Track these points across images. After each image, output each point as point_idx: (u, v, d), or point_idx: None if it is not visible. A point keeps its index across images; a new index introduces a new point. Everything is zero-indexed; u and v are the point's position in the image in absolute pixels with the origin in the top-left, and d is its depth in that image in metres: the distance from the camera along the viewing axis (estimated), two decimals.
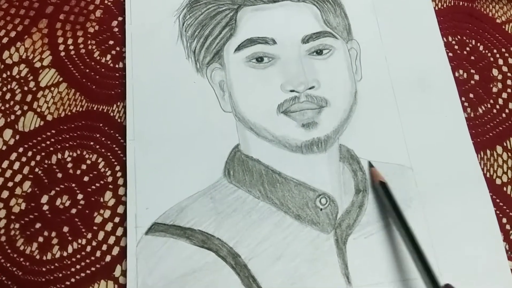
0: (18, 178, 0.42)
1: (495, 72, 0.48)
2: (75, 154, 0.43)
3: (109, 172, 0.43)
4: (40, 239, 0.40)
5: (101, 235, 0.41)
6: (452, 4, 0.51)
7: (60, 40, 0.48)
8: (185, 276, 0.39)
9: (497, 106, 0.47)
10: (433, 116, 0.45)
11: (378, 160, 0.44)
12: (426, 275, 0.36)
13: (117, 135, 0.44)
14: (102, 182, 0.42)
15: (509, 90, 0.47)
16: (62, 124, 0.44)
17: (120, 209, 0.42)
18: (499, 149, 0.45)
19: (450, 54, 0.48)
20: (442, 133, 0.45)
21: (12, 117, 0.44)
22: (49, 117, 0.45)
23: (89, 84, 0.46)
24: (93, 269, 0.40)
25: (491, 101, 0.47)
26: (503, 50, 0.49)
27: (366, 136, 0.45)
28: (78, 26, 0.48)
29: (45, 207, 0.41)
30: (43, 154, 0.43)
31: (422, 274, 0.36)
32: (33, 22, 0.48)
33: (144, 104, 0.44)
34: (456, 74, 0.47)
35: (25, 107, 0.45)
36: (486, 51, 0.49)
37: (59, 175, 0.43)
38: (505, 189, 0.44)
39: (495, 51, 0.49)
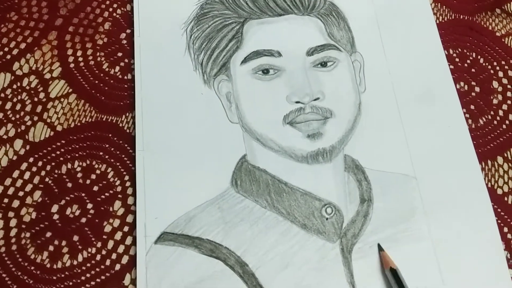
0: (28, 187, 0.43)
1: (495, 84, 0.49)
2: (84, 164, 0.44)
3: (118, 182, 0.44)
4: (51, 248, 0.41)
5: (110, 244, 0.41)
6: (452, 17, 0.52)
7: (70, 51, 0.48)
8: (194, 285, 0.40)
9: (498, 118, 0.48)
10: (436, 126, 0.46)
11: (382, 170, 0.45)
12: None
13: (126, 145, 0.45)
14: (111, 191, 0.43)
15: (509, 102, 0.49)
16: (71, 134, 0.45)
17: (129, 218, 0.42)
18: (500, 159, 0.46)
19: (451, 66, 0.49)
20: (445, 143, 0.46)
21: (23, 127, 0.45)
22: (59, 128, 0.45)
23: (98, 95, 0.47)
24: (103, 277, 0.40)
25: (492, 112, 0.48)
26: (503, 62, 0.50)
27: (370, 147, 0.46)
28: (87, 38, 0.49)
29: (56, 216, 0.42)
30: (53, 164, 0.44)
31: None
32: (42, 34, 0.49)
33: (152, 115, 0.45)
34: (457, 86, 0.48)
35: (35, 118, 0.46)
36: (486, 64, 0.50)
37: (69, 184, 0.43)
38: (506, 198, 0.45)
39: (495, 63, 0.50)
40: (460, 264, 0.42)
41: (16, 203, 0.42)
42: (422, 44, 0.50)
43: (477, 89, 0.49)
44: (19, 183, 0.43)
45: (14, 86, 0.47)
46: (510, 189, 0.45)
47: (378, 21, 0.51)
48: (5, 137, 0.45)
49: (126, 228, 0.42)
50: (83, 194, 0.43)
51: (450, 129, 0.46)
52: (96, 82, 0.47)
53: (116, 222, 0.42)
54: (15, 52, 0.48)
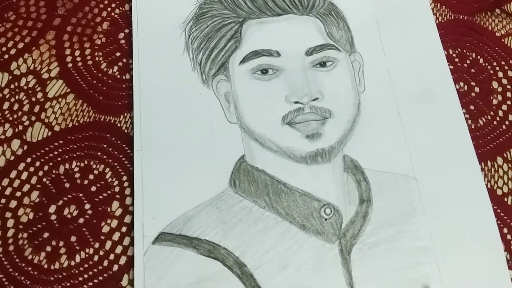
0: (26, 188, 0.43)
1: (495, 84, 0.49)
2: (82, 164, 0.44)
3: (116, 182, 0.43)
4: (48, 248, 0.41)
5: (108, 244, 0.41)
6: (452, 17, 0.52)
7: (68, 51, 0.48)
8: (192, 286, 0.39)
9: (497, 118, 0.48)
10: (436, 126, 0.46)
11: (381, 170, 0.44)
12: None
13: (124, 145, 0.45)
14: (109, 192, 0.43)
15: (508, 102, 0.48)
16: (69, 134, 0.45)
17: (127, 219, 0.42)
18: (499, 160, 0.46)
19: (451, 66, 0.49)
20: (445, 143, 0.46)
21: (20, 127, 0.45)
22: (56, 128, 0.45)
23: (96, 95, 0.47)
24: (100, 278, 0.40)
25: (491, 113, 0.48)
26: (503, 63, 0.50)
27: (369, 147, 0.45)
28: (85, 38, 0.49)
29: (53, 217, 0.42)
30: (51, 164, 0.44)
31: None
32: (40, 34, 0.49)
33: (151, 115, 0.45)
34: (457, 87, 0.48)
35: (33, 118, 0.45)
36: (486, 64, 0.50)
37: (67, 185, 0.43)
38: (505, 199, 0.45)
39: (494, 64, 0.50)
40: (459, 265, 0.41)
41: (13, 204, 0.42)
42: (422, 44, 0.50)
43: (476, 89, 0.49)
44: (16, 183, 0.43)
45: (12, 86, 0.47)
46: (510, 190, 0.45)
47: (378, 20, 0.51)
48: (2, 137, 0.44)
49: (124, 229, 0.42)
50: (80, 195, 0.43)
51: (449, 129, 0.46)
52: (94, 82, 0.47)
53: (114, 223, 0.42)
54: (12, 51, 0.48)
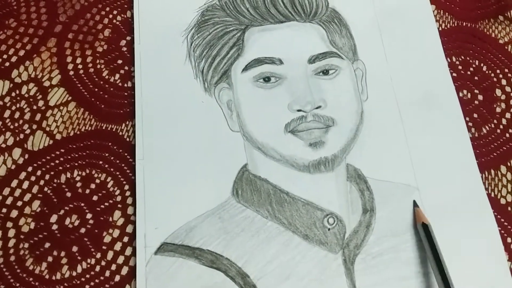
0: (27, 197, 0.42)
1: (498, 92, 0.49)
2: (84, 173, 0.44)
3: (118, 191, 0.43)
4: (49, 258, 0.41)
5: (110, 254, 0.41)
6: (455, 25, 0.52)
7: (69, 59, 0.48)
8: None
9: (501, 126, 0.47)
10: (438, 136, 0.46)
11: (384, 180, 0.44)
12: None
13: (125, 154, 0.44)
14: (111, 201, 0.43)
15: None
16: (71, 143, 0.45)
17: (129, 229, 0.42)
18: (503, 169, 0.46)
19: (454, 74, 0.49)
20: (448, 152, 0.45)
21: (21, 136, 0.45)
22: (58, 136, 0.45)
23: (98, 103, 0.46)
24: None
25: (495, 121, 0.48)
26: (506, 70, 0.50)
27: (373, 156, 0.45)
28: (87, 45, 0.49)
29: (54, 227, 0.42)
30: (52, 173, 0.43)
31: None
32: (42, 41, 0.49)
33: (153, 124, 0.45)
34: (460, 94, 0.48)
35: (34, 126, 0.45)
36: (490, 72, 0.50)
37: (68, 194, 0.43)
38: (509, 208, 0.44)
39: (498, 71, 0.50)
40: (463, 275, 0.41)
41: (14, 213, 0.42)
42: (424, 52, 0.50)
43: (480, 97, 0.49)
44: (17, 192, 0.43)
45: (13, 94, 0.46)
46: None
47: (380, 28, 0.50)
48: (3, 145, 0.44)
49: (125, 239, 0.41)
50: (82, 204, 0.43)
51: (452, 138, 0.46)
52: (96, 90, 0.47)
53: (116, 233, 0.42)
54: (13, 59, 0.48)
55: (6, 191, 0.43)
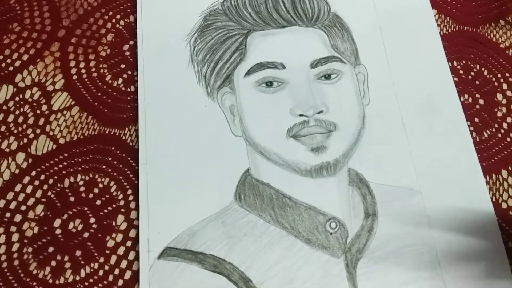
0: (31, 201, 0.43)
1: (499, 96, 0.49)
2: (87, 178, 0.44)
3: (121, 196, 0.43)
4: (53, 263, 0.41)
5: (113, 259, 0.41)
6: (456, 29, 0.52)
7: (72, 63, 0.48)
8: None
9: (502, 131, 0.48)
10: (441, 140, 0.46)
11: (387, 184, 0.44)
12: None
13: (129, 158, 0.45)
14: (114, 205, 0.43)
15: None
16: (74, 147, 0.45)
17: (132, 233, 0.42)
18: (504, 173, 0.46)
19: (456, 79, 0.49)
20: (450, 157, 0.46)
21: (25, 140, 0.45)
22: (61, 141, 0.45)
23: (101, 108, 0.47)
24: None
25: (496, 125, 0.48)
26: (507, 74, 0.50)
27: (375, 160, 0.45)
28: (90, 50, 0.49)
29: (58, 231, 0.42)
30: (55, 177, 0.44)
31: None
32: (45, 46, 0.49)
33: (156, 128, 0.45)
34: (462, 99, 0.48)
35: (38, 131, 0.45)
36: (491, 76, 0.50)
37: (72, 198, 0.43)
38: (511, 213, 0.45)
39: (499, 75, 0.50)
40: (465, 279, 0.41)
41: (18, 218, 0.42)
42: (426, 56, 0.50)
43: (481, 101, 0.49)
44: (21, 197, 0.43)
45: (17, 98, 0.47)
46: None
47: (382, 33, 0.51)
48: (7, 150, 0.44)
49: (129, 243, 0.42)
50: (85, 208, 0.43)
51: (454, 142, 0.46)
52: (99, 94, 0.47)
53: (119, 237, 0.42)
54: (17, 63, 0.48)
55: (10, 195, 0.43)
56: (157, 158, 0.44)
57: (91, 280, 0.40)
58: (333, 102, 0.46)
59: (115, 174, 0.44)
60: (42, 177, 0.44)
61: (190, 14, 0.50)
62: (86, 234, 0.42)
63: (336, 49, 0.48)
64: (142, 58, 0.48)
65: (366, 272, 0.41)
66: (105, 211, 0.43)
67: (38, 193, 0.43)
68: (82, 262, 0.41)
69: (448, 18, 0.52)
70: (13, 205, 0.42)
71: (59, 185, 0.43)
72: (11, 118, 0.46)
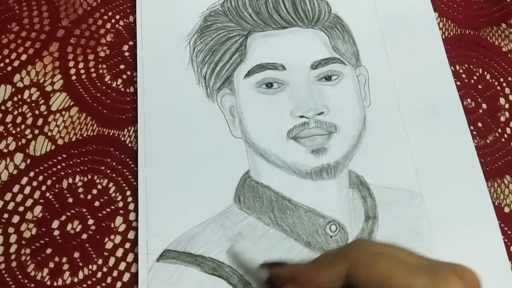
0: (29, 202, 0.42)
1: (502, 101, 0.49)
2: (86, 179, 0.43)
3: (119, 197, 0.43)
4: (51, 264, 0.40)
5: (111, 261, 0.41)
6: (458, 32, 0.52)
7: (71, 64, 0.48)
8: None
9: (505, 135, 0.47)
10: (442, 143, 0.46)
11: (387, 186, 0.44)
12: None
13: (127, 159, 0.44)
14: (112, 207, 0.43)
15: None
16: (73, 148, 0.44)
17: (130, 235, 0.42)
18: (508, 177, 0.46)
19: (458, 83, 0.49)
20: (452, 160, 0.45)
21: (23, 141, 0.44)
22: (60, 141, 0.45)
23: (100, 108, 0.46)
24: None
25: (499, 130, 0.48)
26: (510, 79, 0.50)
27: (375, 162, 0.45)
28: (89, 50, 0.49)
29: (56, 232, 0.41)
30: (54, 178, 0.43)
31: None
32: (44, 46, 0.48)
33: (155, 130, 0.45)
34: (465, 103, 0.48)
35: (36, 131, 0.45)
36: (493, 80, 0.50)
37: (70, 199, 0.43)
38: None
39: (501, 80, 0.50)
40: None
41: (16, 219, 0.42)
42: (428, 59, 0.50)
43: (484, 106, 0.48)
44: (19, 198, 0.42)
45: (15, 99, 0.46)
46: None
47: (383, 34, 0.50)
48: (5, 150, 0.44)
49: (127, 245, 0.41)
50: (84, 210, 0.42)
51: (456, 145, 0.46)
52: (98, 95, 0.47)
53: (118, 239, 0.42)
54: (16, 63, 0.48)
55: (8, 196, 0.42)
56: (156, 160, 0.43)
57: (89, 282, 0.40)
58: (333, 104, 0.46)
59: (114, 175, 0.44)
60: (41, 178, 0.43)
61: (190, 14, 0.49)
62: (84, 236, 0.41)
63: (336, 51, 0.48)
64: (141, 59, 0.48)
65: None
66: (104, 212, 0.42)
67: (36, 194, 0.43)
68: (81, 264, 0.41)
69: (449, 21, 0.52)
70: (11, 206, 0.42)
71: (57, 186, 0.43)
72: (9, 118, 0.45)
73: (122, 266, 0.41)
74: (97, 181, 0.43)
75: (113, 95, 0.47)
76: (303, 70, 0.47)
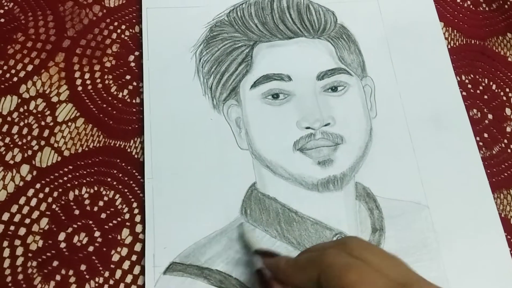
0: (35, 214, 0.42)
1: (508, 111, 0.49)
2: (92, 191, 0.43)
3: (126, 209, 0.43)
4: (58, 277, 0.40)
5: (118, 273, 0.41)
6: (464, 42, 0.52)
7: (77, 74, 0.48)
8: None
9: (511, 146, 0.47)
10: (448, 154, 0.46)
11: (394, 198, 0.44)
12: None
13: (134, 171, 0.44)
14: (119, 219, 0.43)
15: None
16: (79, 159, 0.44)
17: (137, 247, 0.42)
18: None
19: (464, 93, 0.49)
20: (458, 171, 0.45)
21: (29, 152, 0.44)
22: (66, 153, 0.45)
23: (106, 119, 0.46)
24: None
25: (505, 140, 0.47)
26: None
27: (382, 174, 0.45)
28: (95, 60, 0.49)
29: (63, 245, 0.41)
30: (60, 190, 0.43)
31: None
32: (50, 56, 0.48)
33: (161, 141, 0.45)
34: (470, 114, 0.48)
35: (42, 142, 0.45)
36: (499, 90, 0.50)
37: (76, 211, 0.43)
38: None
39: (507, 90, 0.50)
40: None
41: (22, 231, 0.42)
42: (434, 69, 0.50)
43: (490, 116, 0.48)
44: (25, 210, 0.42)
45: (21, 110, 0.46)
46: None
47: (389, 45, 0.50)
48: (11, 162, 0.44)
49: (134, 257, 0.41)
50: (90, 222, 0.42)
51: (462, 157, 0.46)
52: (104, 105, 0.47)
53: (124, 251, 0.41)
54: (21, 74, 0.47)
55: (14, 208, 0.42)
56: (162, 172, 0.43)
57: None
58: (339, 115, 0.46)
59: (120, 187, 0.44)
60: (47, 189, 0.43)
61: (196, 25, 0.49)
62: (91, 248, 0.41)
63: (342, 61, 0.48)
64: (147, 69, 0.48)
65: None
66: (110, 224, 0.42)
67: (43, 206, 0.43)
68: (87, 277, 0.40)
69: (455, 31, 0.52)
70: (17, 218, 0.42)
71: (63, 198, 0.43)
72: (15, 129, 0.45)
73: (129, 278, 0.41)
74: (104, 193, 0.43)
75: (119, 106, 0.47)
76: (309, 80, 0.47)
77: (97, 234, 0.42)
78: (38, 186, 0.43)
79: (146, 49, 0.48)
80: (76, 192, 0.43)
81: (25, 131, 0.45)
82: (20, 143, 0.45)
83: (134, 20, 0.51)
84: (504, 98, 0.49)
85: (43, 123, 0.46)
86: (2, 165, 0.44)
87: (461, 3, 0.54)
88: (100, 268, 0.41)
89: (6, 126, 0.45)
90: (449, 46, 0.51)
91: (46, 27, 0.50)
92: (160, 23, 0.50)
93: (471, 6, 0.54)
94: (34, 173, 0.44)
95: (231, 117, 0.46)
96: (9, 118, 0.46)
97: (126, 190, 0.44)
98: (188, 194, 0.43)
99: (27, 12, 0.50)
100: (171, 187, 0.43)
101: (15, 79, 0.47)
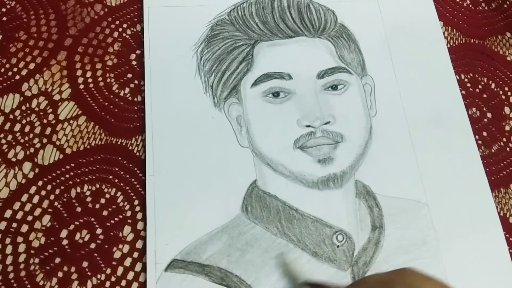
0: (37, 212, 0.42)
1: (507, 110, 0.49)
2: (94, 188, 0.44)
3: (127, 206, 0.43)
4: (60, 274, 0.41)
5: (120, 270, 0.41)
6: (463, 41, 0.52)
7: (79, 72, 0.48)
8: None
9: (510, 145, 0.48)
10: (448, 152, 0.46)
11: (393, 196, 0.44)
12: None
13: (135, 168, 0.44)
14: (121, 216, 0.43)
15: None
16: (81, 157, 0.45)
17: (138, 244, 0.42)
18: None
19: (463, 92, 0.49)
20: (457, 169, 0.46)
21: (32, 150, 0.45)
22: (68, 150, 0.45)
23: (108, 117, 0.46)
24: None
25: (504, 139, 0.48)
26: None
27: (382, 172, 0.45)
28: (97, 59, 0.49)
29: (65, 242, 0.42)
30: (62, 187, 0.43)
31: None
32: (52, 54, 0.49)
33: (162, 139, 0.45)
34: (470, 112, 0.48)
35: (44, 140, 0.45)
36: (498, 89, 0.50)
37: (78, 209, 0.43)
38: None
39: (506, 89, 0.50)
40: None
41: (24, 228, 0.42)
42: (433, 68, 0.50)
43: (489, 115, 0.49)
44: (28, 207, 0.43)
45: (23, 108, 0.46)
46: None
47: (389, 43, 0.51)
48: (13, 159, 0.44)
49: (135, 254, 0.42)
50: (92, 219, 0.43)
51: (462, 155, 0.46)
52: (106, 103, 0.47)
53: (126, 248, 0.42)
54: (24, 72, 0.48)
55: (17, 205, 0.43)
56: (164, 169, 0.44)
57: None
58: (340, 113, 0.46)
59: (121, 184, 0.44)
60: (49, 187, 0.43)
61: (197, 24, 0.50)
62: (93, 245, 0.42)
63: (342, 60, 0.48)
64: (149, 68, 0.48)
65: None
66: (112, 221, 0.43)
67: (45, 203, 0.43)
68: (89, 273, 0.41)
69: (454, 30, 0.52)
70: (19, 215, 0.42)
71: (65, 195, 0.43)
72: (17, 127, 0.46)
73: (131, 275, 0.41)
74: (105, 190, 0.44)
75: (120, 104, 0.47)
76: (310, 79, 0.47)
77: (99, 231, 0.42)
78: (40, 183, 0.44)
79: (148, 48, 0.49)
80: (78, 189, 0.44)
81: (27, 129, 0.46)
82: (22, 140, 0.45)
83: (135, 19, 0.51)
84: (503, 97, 0.50)
85: (45, 121, 0.46)
86: (4, 162, 0.44)
87: (460, 2, 0.54)
88: (102, 265, 0.41)
89: (8, 124, 0.46)
90: (448, 45, 0.51)
91: (48, 25, 0.50)
92: (161, 22, 0.50)
93: (470, 6, 0.54)
94: (36, 170, 0.44)
95: (232, 115, 0.46)
96: (11, 116, 0.46)
97: (127, 188, 0.44)
98: (189, 192, 0.43)
99: (29, 10, 0.50)
100: (172, 184, 0.43)
101: (17, 77, 0.47)
